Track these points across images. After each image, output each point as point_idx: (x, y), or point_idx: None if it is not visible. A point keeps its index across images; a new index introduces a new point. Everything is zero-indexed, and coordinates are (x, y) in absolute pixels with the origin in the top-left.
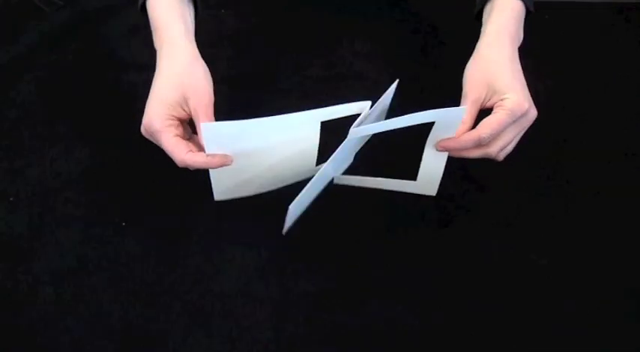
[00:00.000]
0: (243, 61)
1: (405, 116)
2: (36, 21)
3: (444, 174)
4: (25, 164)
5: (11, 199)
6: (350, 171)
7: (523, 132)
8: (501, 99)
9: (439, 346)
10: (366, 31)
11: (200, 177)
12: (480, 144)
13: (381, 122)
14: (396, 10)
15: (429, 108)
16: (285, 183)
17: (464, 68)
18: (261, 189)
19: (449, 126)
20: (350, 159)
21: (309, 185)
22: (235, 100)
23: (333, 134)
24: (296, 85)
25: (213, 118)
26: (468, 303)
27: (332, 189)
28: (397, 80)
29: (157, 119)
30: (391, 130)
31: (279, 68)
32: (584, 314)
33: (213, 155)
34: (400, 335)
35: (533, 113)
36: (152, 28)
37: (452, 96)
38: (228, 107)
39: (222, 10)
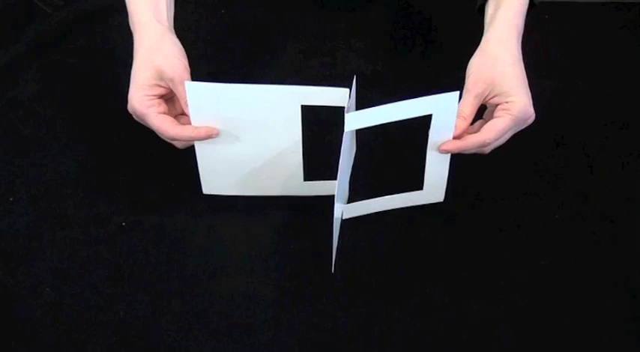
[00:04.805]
0: (242, 61)
1: (399, 102)
2: (36, 21)
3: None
4: (25, 164)
5: (11, 199)
6: (352, 198)
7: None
8: (507, 102)
9: (439, 347)
10: (366, 31)
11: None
12: (482, 146)
13: (377, 107)
14: (396, 9)
15: None
16: (274, 193)
17: (463, 66)
18: (249, 190)
19: (446, 116)
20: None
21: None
22: None
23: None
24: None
25: None
26: (469, 304)
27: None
28: (354, 76)
29: (137, 103)
30: (384, 144)
31: (279, 68)
32: (585, 314)
33: (200, 127)
34: (400, 335)
35: (533, 117)
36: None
37: None
38: None
39: (222, 10)
